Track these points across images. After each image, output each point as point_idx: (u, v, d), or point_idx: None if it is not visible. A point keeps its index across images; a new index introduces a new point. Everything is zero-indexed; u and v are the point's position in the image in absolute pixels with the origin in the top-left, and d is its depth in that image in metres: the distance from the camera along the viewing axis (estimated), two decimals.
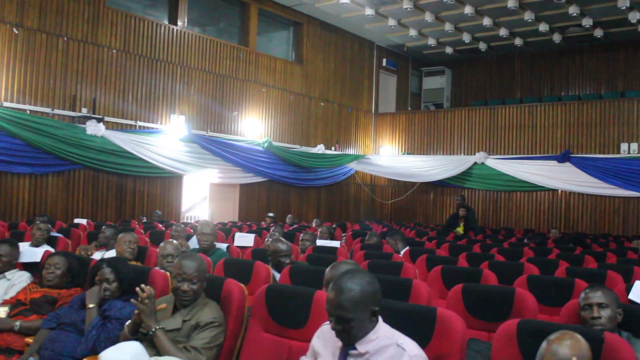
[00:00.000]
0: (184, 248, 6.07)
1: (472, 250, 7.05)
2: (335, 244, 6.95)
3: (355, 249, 6.85)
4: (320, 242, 6.90)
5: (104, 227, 6.69)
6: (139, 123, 12.31)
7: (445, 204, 16.99)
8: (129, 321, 3.17)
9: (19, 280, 4.63)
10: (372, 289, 2.42)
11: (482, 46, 17.96)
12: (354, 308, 2.36)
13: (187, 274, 3.19)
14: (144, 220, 11.62)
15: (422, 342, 2.55)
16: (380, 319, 2.49)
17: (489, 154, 16.05)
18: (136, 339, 3.08)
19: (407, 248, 6.79)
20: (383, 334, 2.44)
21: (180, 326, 3.13)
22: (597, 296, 2.96)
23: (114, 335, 3.32)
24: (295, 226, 11.28)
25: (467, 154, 16.51)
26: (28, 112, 10.71)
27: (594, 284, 3.12)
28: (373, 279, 2.46)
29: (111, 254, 5.62)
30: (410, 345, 2.42)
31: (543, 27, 15.78)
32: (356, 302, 2.36)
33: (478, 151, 16.21)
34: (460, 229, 11.53)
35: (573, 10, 14.51)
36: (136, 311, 3.09)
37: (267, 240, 6.29)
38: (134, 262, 5.14)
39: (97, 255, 5.80)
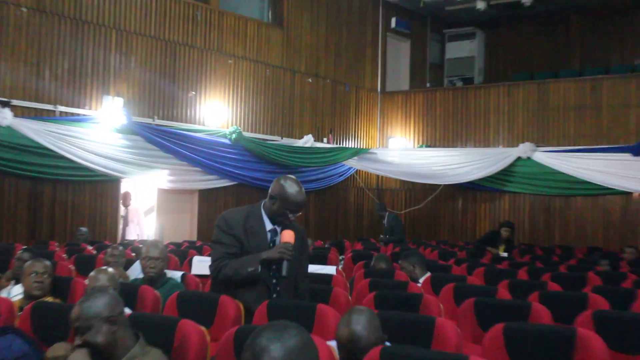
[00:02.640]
0: (123, 279, 6.02)
1: (516, 276, 7.05)
2: (330, 269, 6.93)
3: (357, 276, 6.82)
4: (309, 268, 6.88)
5: (20, 251, 6.61)
6: (60, 108, 12.23)
7: (478, 214, 17.00)
8: None
9: None
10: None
11: None
12: None
13: (74, 319, 3.17)
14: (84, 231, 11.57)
15: None
16: None
17: (537, 146, 16.07)
18: None
19: (428, 275, 6.80)
20: None
21: None
22: None
23: None
24: None
25: (508, 146, 16.54)
26: None
27: None
28: (309, 342, 2.38)
29: (18, 289, 5.58)
30: None
31: None
32: None
33: (522, 142, 16.22)
34: (501, 251, 11.59)
35: None
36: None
37: None
38: (50, 299, 5.11)
39: (15, 291, 5.73)
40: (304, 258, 4.78)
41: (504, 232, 11.98)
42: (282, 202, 4.46)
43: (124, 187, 13.44)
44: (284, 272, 4.33)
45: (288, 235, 4.41)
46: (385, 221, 14.67)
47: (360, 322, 3.30)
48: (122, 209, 13.44)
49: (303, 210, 4.60)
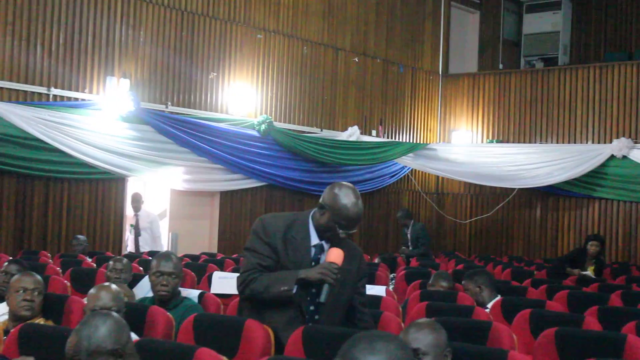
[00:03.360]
0: (128, 298, 6.08)
1: (607, 302, 6.99)
2: (379, 290, 6.97)
3: (412, 298, 6.84)
4: None
5: (6, 264, 6.69)
6: (54, 91, 12.33)
7: (561, 225, 16.86)
8: None
9: None
10: None
11: None
12: None
13: (71, 353, 3.21)
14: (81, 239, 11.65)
15: None
16: None
17: (635, 142, 15.92)
18: None
19: (498, 298, 6.81)
20: None
21: None
22: None
23: None
24: None
25: (599, 142, 16.41)
26: None
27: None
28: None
29: (3, 309, 5.64)
30: None
31: None
32: None
33: (617, 137, 16.09)
34: (590, 272, 11.47)
35: None
36: None
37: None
38: (40, 321, 5.17)
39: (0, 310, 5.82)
40: (360, 286, 4.76)
41: (591, 247, 11.76)
42: (333, 215, 4.45)
43: (131, 187, 13.50)
44: (322, 298, 4.31)
45: (335, 255, 4.38)
46: (408, 231, 14.62)
47: (420, 331, 3.31)
48: (132, 214, 13.44)
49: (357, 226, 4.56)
